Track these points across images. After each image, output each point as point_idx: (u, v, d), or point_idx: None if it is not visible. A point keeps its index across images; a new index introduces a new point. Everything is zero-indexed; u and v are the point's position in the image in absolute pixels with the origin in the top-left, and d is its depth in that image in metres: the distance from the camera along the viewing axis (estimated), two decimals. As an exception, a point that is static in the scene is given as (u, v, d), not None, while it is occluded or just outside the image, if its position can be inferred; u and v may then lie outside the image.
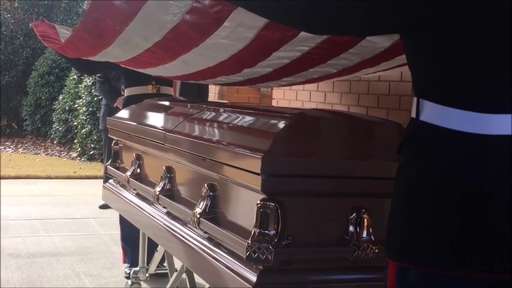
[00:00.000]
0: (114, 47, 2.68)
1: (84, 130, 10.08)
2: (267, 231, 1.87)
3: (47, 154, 10.84)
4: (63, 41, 3.17)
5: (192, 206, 2.39)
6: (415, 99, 1.55)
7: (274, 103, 5.20)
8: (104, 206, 6.28)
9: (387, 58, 2.76)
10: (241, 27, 2.40)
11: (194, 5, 2.26)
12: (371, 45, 2.59)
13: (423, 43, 1.50)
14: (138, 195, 3.15)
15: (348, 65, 2.89)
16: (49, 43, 3.32)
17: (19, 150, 11.12)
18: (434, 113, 1.49)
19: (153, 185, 2.88)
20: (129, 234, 4.13)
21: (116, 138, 3.61)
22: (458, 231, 1.44)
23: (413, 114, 1.55)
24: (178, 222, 2.57)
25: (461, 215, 1.44)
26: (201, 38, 2.52)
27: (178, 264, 3.37)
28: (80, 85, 10.49)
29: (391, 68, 3.03)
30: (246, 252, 1.88)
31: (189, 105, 3.06)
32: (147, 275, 3.84)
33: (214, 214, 2.26)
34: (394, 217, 1.55)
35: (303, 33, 2.43)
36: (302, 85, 4.00)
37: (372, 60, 2.80)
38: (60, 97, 11.30)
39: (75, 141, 10.53)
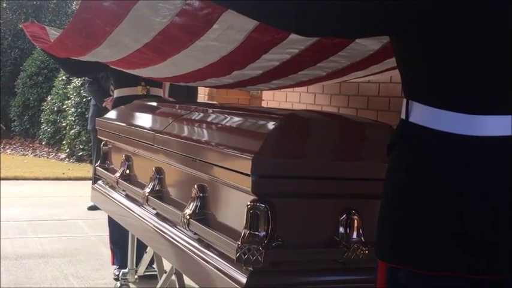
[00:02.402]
0: (103, 48, 2.67)
1: (72, 131, 10.03)
2: (257, 233, 1.87)
3: (35, 155, 10.78)
4: (53, 41, 3.16)
5: (181, 207, 2.39)
6: (404, 100, 1.56)
7: (264, 104, 5.20)
8: (93, 208, 6.25)
9: (376, 61, 2.76)
10: (231, 30, 2.40)
11: (184, 7, 2.26)
12: (360, 48, 2.59)
13: (413, 45, 1.51)
14: (127, 196, 3.14)
15: (338, 67, 2.90)
16: (39, 43, 3.31)
17: (7, 151, 11.05)
18: (423, 115, 1.49)
19: (142, 186, 2.87)
20: (118, 235, 4.11)
21: (105, 139, 3.60)
22: (445, 233, 1.44)
23: (403, 116, 1.55)
24: (167, 224, 2.56)
25: (448, 217, 1.44)
26: (190, 40, 2.52)
27: (167, 266, 3.36)
28: (68, 86, 10.45)
29: (381, 71, 3.04)
30: (236, 254, 1.87)
31: (178, 106, 3.05)
32: (136, 276, 3.83)
33: (204, 215, 2.25)
34: (384, 218, 1.55)
35: (292, 36, 2.44)
36: (292, 87, 4.00)
37: (362, 63, 2.81)
38: (49, 98, 11.24)
39: (64, 142, 10.48)
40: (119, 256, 4.25)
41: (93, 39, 2.60)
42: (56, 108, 10.88)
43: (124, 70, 3.36)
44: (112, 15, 2.35)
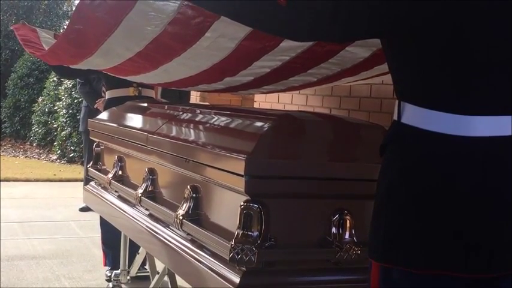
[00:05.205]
0: (96, 57, 2.68)
1: (63, 132, 10.00)
2: (250, 233, 1.88)
3: (26, 157, 10.73)
4: (44, 46, 3.16)
5: (174, 208, 2.39)
6: (396, 102, 1.57)
7: (256, 106, 5.21)
8: (84, 209, 6.24)
9: (367, 68, 2.79)
10: (223, 38, 2.42)
11: (176, 16, 2.27)
12: (351, 56, 2.62)
13: (404, 47, 1.52)
14: (119, 197, 3.14)
15: (328, 74, 2.92)
16: (30, 48, 3.30)
17: (-3, 152, 11.00)
18: (415, 116, 1.51)
19: (135, 187, 2.87)
20: (110, 236, 4.11)
21: (98, 140, 3.60)
22: (438, 232, 1.45)
23: (395, 117, 1.56)
24: (160, 224, 2.57)
25: (440, 217, 1.45)
26: (182, 48, 2.53)
27: (160, 266, 3.36)
28: (59, 87, 10.42)
29: (371, 77, 3.07)
30: (229, 254, 1.88)
31: (171, 107, 3.05)
32: (128, 277, 3.83)
33: (197, 216, 2.26)
34: (377, 218, 1.56)
35: (283, 44, 2.46)
36: (284, 88, 4.01)
37: (352, 70, 2.83)
38: (40, 99, 11.21)
39: (55, 143, 10.45)
40: (111, 257, 4.24)
41: (86, 49, 2.61)
42: (47, 110, 10.84)
43: (116, 76, 3.37)
44: (104, 25, 2.36)
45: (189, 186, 2.30)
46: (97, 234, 4.60)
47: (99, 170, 3.54)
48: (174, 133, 2.61)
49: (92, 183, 3.66)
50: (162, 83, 3.40)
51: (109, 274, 4.11)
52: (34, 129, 11.28)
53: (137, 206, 2.82)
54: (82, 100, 6.33)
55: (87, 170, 3.73)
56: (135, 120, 3.18)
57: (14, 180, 8.27)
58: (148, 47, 2.50)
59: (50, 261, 4.73)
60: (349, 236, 1.97)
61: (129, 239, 3.49)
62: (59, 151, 10.20)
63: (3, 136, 12.27)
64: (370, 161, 1.93)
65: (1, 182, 7.98)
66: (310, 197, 1.98)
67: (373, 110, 3.73)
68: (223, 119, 2.42)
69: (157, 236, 2.52)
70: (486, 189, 1.45)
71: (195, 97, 6.37)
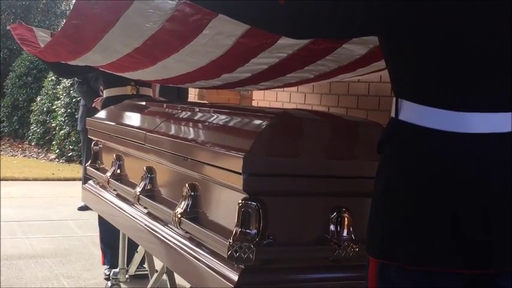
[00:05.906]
0: (93, 53, 2.68)
1: (62, 132, 10.00)
2: (248, 231, 1.88)
3: (24, 156, 10.72)
4: (41, 45, 3.16)
5: (173, 206, 2.39)
6: (394, 99, 1.57)
7: (254, 104, 5.21)
8: (83, 208, 6.24)
9: (363, 65, 2.80)
10: (221, 35, 2.42)
11: (174, 13, 2.28)
12: (347, 53, 2.63)
13: (401, 44, 1.53)
14: (118, 196, 3.14)
15: (325, 71, 2.93)
16: (27, 46, 3.29)
17: (-4, 152, 10.99)
18: (412, 112, 1.51)
19: (133, 186, 2.87)
20: (108, 235, 4.11)
21: (96, 139, 3.60)
22: (435, 229, 1.46)
23: (393, 114, 1.57)
24: (159, 223, 2.57)
25: (438, 214, 1.46)
26: (180, 45, 2.54)
27: (158, 265, 3.36)
28: (58, 86, 10.40)
29: (368, 73, 3.08)
30: (228, 252, 1.88)
31: (169, 105, 3.06)
32: (127, 276, 3.83)
33: (195, 214, 2.26)
34: (375, 215, 1.57)
35: (281, 41, 2.47)
36: (282, 86, 4.01)
37: (349, 67, 2.84)
38: (38, 98, 11.20)
39: (53, 142, 10.44)
40: (110, 256, 4.24)
41: (83, 44, 2.61)
42: (45, 109, 10.83)
43: (114, 73, 3.36)
44: (102, 22, 2.36)
45: (187, 185, 2.30)
46: (96, 233, 4.60)
47: (97, 169, 3.54)
48: (172, 131, 2.61)
49: (91, 182, 3.66)
50: (159, 79, 3.40)
51: (108, 273, 4.11)
52: (32, 128, 11.27)
53: (136, 205, 2.82)
54: (80, 99, 6.33)
55: (85, 169, 3.73)
56: (133, 118, 3.19)
57: (12, 180, 8.26)
58: (147, 43, 2.50)
59: (48, 260, 4.73)
60: (347, 233, 1.97)
61: (128, 237, 3.49)
62: (58, 150, 10.19)
63: (1, 135, 12.26)
64: (368, 159, 1.93)
65: (0, 182, 7.98)
66: (308, 194, 1.98)
67: (371, 108, 3.73)
68: (221, 117, 2.42)
69: (156, 234, 2.52)
70: (485, 186, 1.45)
71: (193, 95, 6.36)
